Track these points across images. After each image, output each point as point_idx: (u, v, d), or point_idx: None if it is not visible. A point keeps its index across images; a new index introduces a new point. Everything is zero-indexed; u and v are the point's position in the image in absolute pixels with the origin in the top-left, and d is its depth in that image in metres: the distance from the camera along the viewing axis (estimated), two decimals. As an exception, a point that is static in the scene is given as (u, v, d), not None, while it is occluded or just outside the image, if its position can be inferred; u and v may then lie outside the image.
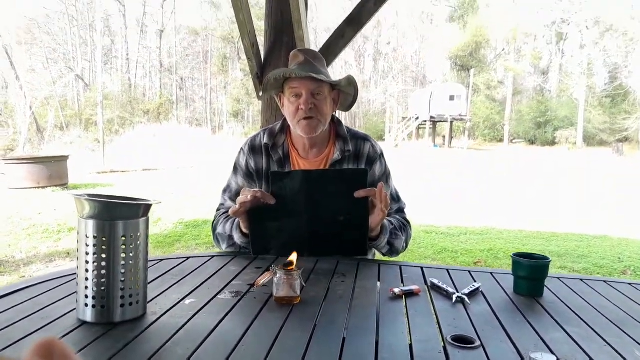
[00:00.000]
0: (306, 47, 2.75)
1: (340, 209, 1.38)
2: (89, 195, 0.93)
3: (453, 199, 8.37)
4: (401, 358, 0.82)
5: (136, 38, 37.28)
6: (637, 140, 29.46)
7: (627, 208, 7.91)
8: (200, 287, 1.16)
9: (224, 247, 1.55)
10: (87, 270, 0.91)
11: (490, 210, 7.25)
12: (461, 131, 32.77)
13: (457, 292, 1.14)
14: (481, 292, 1.19)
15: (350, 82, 1.56)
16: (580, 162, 18.97)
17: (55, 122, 23.00)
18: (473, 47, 37.65)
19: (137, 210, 0.95)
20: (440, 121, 28.93)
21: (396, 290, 1.13)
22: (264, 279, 1.15)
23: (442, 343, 0.89)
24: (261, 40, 3.06)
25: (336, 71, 27.89)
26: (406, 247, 1.57)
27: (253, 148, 1.61)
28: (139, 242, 0.95)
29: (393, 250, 1.52)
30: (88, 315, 0.92)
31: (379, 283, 1.24)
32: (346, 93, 1.61)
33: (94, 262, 0.91)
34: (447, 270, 1.37)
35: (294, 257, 1.12)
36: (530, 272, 1.17)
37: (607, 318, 1.05)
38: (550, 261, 1.18)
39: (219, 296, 1.10)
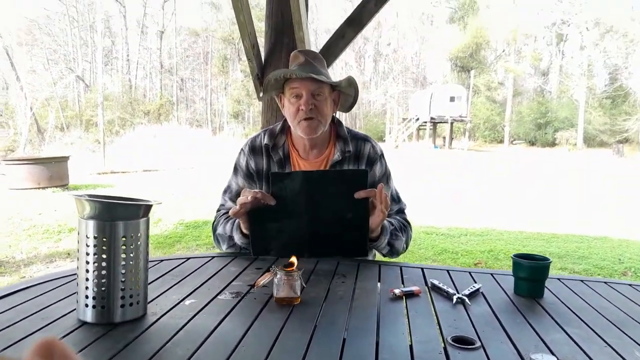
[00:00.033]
0: (306, 48, 2.75)
1: (341, 209, 1.38)
2: (90, 196, 0.93)
3: (453, 200, 8.37)
4: (401, 359, 0.82)
5: (136, 39, 37.33)
6: (638, 142, 29.44)
7: (627, 209, 7.90)
8: (200, 288, 1.16)
9: (224, 247, 1.55)
10: (87, 271, 0.91)
11: (491, 212, 7.25)
12: (461, 132, 32.78)
13: (458, 293, 1.14)
14: (481, 293, 1.19)
15: (351, 82, 1.56)
16: (581, 163, 18.95)
17: (55, 123, 23.02)
18: (473, 48, 37.66)
19: (137, 210, 0.95)
20: (441, 122, 28.93)
21: (396, 291, 1.13)
22: (264, 279, 1.15)
23: (443, 344, 0.89)
24: (261, 41, 3.07)
25: (336, 72, 27.90)
26: (406, 248, 1.57)
27: (253, 149, 1.61)
28: (139, 243, 0.95)
29: (393, 251, 1.52)
30: (88, 315, 0.92)
31: (379, 284, 1.24)
32: (346, 94, 1.61)
33: (94, 263, 0.91)
34: (448, 271, 1.37)
35: (293, 260, 1.13)
36: (531, 273, 1.17)
37: (607, 319, 1.05)
38: (550, 262, 1.18)
39: (219, 297, 1.10)
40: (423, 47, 42.66)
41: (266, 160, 1.59)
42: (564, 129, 32.12)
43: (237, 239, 1.47)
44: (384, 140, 28.51)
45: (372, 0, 2.97)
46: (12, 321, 0.93)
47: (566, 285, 1.29)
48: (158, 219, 5.73)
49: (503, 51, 39.67)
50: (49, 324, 0.92)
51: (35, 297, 1.07)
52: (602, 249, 4.94)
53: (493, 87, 37.23)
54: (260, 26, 3.23)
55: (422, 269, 1.39)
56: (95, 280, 0.91)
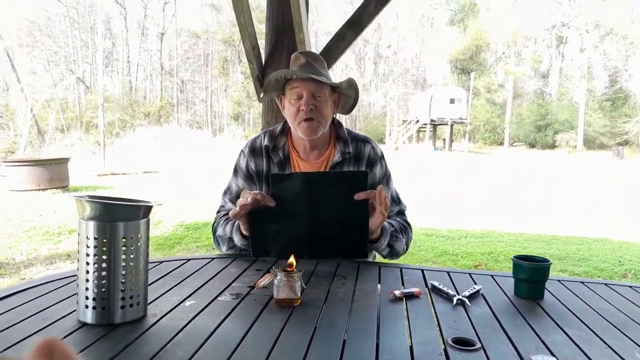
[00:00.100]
0: (307, 49, 2.75)
1: (341, 211, 1.38)
2: (90, 197, 0.93)
3: (453, 202, 8.37)
4: (402, 360, 0.82)
5: (137, 41, 37.40)
6: (638, 144, 29.46)
7: (627, 211, 7.90)
8: (200, 289, 1.16)
9: (224, 249, 1.55)
10: (87, 272, 0.91)
11: (491, 213, 7.25)
12: (461, 134, 32.79)
13: (458, 294, 1.14)
14: (482, 294, 1.19)
15: (351, 84, 1.56)
16: (581, 166, 18.95)
17: (56, 125, 23.04)
18: (473, 51, 37.70)
19: (137, 211, 0.95)
20: (441, 124, 28.93)
21: (397, 292, 1.13)
22: (264, 281, 1.15)
23: (443, 345, 0.88)
24: (262, 43, 3.07)
25: (337, 74, 27.91)
26: (407, 249, 1.57)
27: (253, 150, 1.61)
28: (139, 244, 0.95)
29: (393, 253, 1.51)
30: (88, 316, 0.92)
31: (379, 285, 1.24)
32: (347, 96, 1.61)
33: (94, 264, 0.91)
34: (448, 272, 1.37)
35: (291, 261, 1.12)
36: (531, 275, 1.17)
37: (607, 320, 1.05)
38: (550, 263, 1.18)
39: (219, 298, 1.10)
40: (423, 49, 42.72)
41: (266, 161, 1.59)
42: (564, 131, 32.13)
43: (237, 240, 1.47)
44: (384, 142, 28.50)
45: (372, 3, 2.97)
46: (12, 322, 0.93)
47: (566, 287, 1.28)
48: (158, 220, 5.73)
49: (503, 53, 39.73)
50: (49, 325, 0.92)
51: (36, 298, 1.07)
52: (602, 251, 4.93)
53: (493, 89, 37.25)
54: (260, 28, 3.23)
55: (422, 270, 1.39)
56: (96, 281, 0.91)
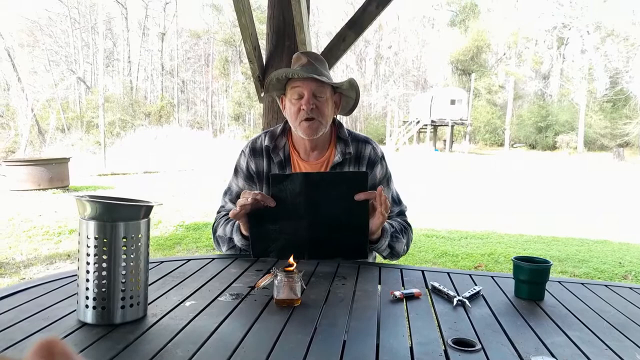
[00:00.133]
0: (308, 50, 2.75)
1: (341, 211, 1.38)
2: (90, 197, 0.93)
3: (453, 203, 8.37)
4: (402, 361, 0.82)
5: (138, 41, 37.43)
6: (638, 145, 29.45)
7: (627, 213, 7.90)
8: (200, 289, 1.16)
9: (224, 249, 1.55)
10: (87, 272, 0.91)
11: (491, 215, 7.24)
12: (462, 135, 32.81)
13: (458, 295, 1.14)
14: (482, 295, 1.18)
15: (352, 85, 1.56)
16: (581, 167, 18.95)
17: (56, 125, 23.05)
18: (474, 52, 37.73)
19: (138, 211, 0.95)
20: (441, 125, 28.96)
21: (397, 293, 1.13)
22: (264, 281, 1.15)
23: (443, 346, 0.88)
24: (263, 43, 3.07)
25: (337, 74, 27.95)
26: (407, 250, 1.57)
27: (254, 150, 1.61)
28: (139, 244, 0.95)
29: (394, 253, 1.51)
30: (88, 316, 0.92)
31: (379, 286, 1.24)
32: (347, 96, 1.61)
33: (94, 264, 0.91)
34: (448, 273, 1.37)
35: (291, 261, 1.12)
36: (531, 276, 1.17)
37: (608, 322, 1.05)
38: (551, 265, 1.18)
39: (219, 298, 1.10)
40: (424, 50, 42.76)
41: (267, 161, 1.59)
42: (565, 133, 32.14)
43: (237, 240, 1.47)
44: (385, 143, 28.52)
45: (373, 3, 2.97)
46: (13, 322, 0.93)
47: (567, 288, 1.28)
48: (158, 220, 5.73)
49: (504, 54, 39.74)
50: (49, 324, 0.92)
51: (36, 298, 1.07)
52: (603, 252, 4.93)
53: (494, 91, 37.27)
54: (261, 28, 3.23)
55: (422, 271, 1.39)
56: (96, 281, 0.91)
